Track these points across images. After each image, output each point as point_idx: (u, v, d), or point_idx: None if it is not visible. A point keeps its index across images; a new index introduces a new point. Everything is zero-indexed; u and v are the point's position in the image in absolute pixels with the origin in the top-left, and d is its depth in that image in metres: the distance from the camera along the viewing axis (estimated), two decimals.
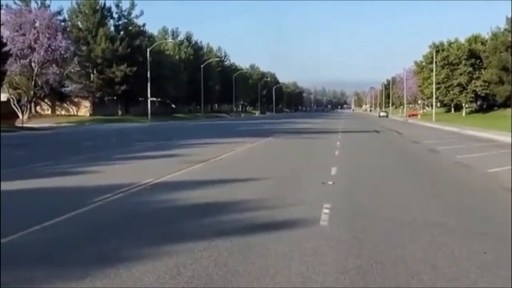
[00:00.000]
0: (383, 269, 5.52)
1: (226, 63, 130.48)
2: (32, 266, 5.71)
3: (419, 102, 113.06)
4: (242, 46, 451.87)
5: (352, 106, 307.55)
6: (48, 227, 7.64)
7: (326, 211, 8.57)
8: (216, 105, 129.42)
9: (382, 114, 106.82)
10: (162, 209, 9.19)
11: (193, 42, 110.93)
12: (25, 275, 5.38)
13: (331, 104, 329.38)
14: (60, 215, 8.34)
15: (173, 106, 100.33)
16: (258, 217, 8.28)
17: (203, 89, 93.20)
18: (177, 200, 9.89)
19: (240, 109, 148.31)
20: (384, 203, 9.55)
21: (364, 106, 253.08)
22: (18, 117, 61.08)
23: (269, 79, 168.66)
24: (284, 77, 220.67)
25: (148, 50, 72.63)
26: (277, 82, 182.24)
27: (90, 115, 74.35)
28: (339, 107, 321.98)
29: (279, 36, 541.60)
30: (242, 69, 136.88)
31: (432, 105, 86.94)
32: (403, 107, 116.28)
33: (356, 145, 26.06)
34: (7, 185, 11.89)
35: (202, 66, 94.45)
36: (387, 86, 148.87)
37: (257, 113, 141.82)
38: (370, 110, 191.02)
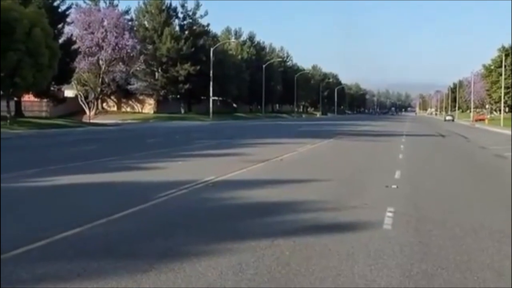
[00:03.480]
0: (449, 275, 5.37)
1: (288, 63, 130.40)
2: (100, 257, 5.86)
3: (487, 106, 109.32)
4: (305, 47, 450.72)
5: (416, 109, 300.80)
6: (114, 220, 7.85)
7: (390, 214, 8.42)
8: (277, 105, 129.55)
9: (448, 118, 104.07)
10: (225, 206, 9.27)
11: (256, 42, 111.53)
12: (92, 266, 5.54)
13: (395, 106, 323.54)
14: (126, 209, 8.56)
15: (234, 105, 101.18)
16: (320, 218, 8.22)
17: (265, 89, 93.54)
18: (239, 198, 9.96)
19: (301, 110, 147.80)
20: (450, 209, 9.28)
21: (429, 109, 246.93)
22: (85, 113, 63.19)
23: (331, 80, 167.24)
24: (347, 78, 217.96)
25: (212, 49, 73.56)
26: (340, 83, 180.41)
27: (154, 112, 76.01)
28: (403, 110, 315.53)
29: (343, 37, 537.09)
30: (304, 70, 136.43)
31: (500, 110, 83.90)
32: (470, 111, 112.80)
33: (421, 149, 25.47)
34: (76, 179, 12.33)
35: (264, 66, 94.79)
36: (453, 90, 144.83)
37: (319, 114, 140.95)
38: (436, 114, 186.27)
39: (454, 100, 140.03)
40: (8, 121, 40.53)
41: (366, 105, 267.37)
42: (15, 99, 47.63)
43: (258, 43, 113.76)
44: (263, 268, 5.52)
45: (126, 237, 6.85)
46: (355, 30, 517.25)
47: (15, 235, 6.81)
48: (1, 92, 43.34)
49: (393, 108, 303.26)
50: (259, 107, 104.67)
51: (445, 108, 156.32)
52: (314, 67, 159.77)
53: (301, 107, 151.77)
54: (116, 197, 10.20)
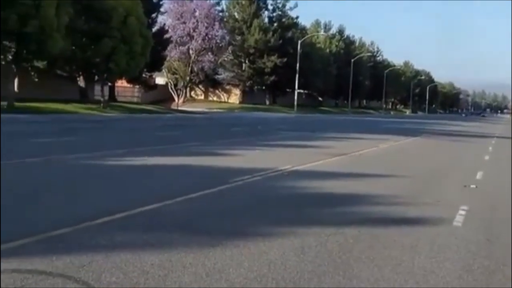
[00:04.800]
0: (509, 271, 5.32)
1: (378, 58, 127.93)
2: (173, 231, 6.29)
3: None
4: (397, 42, 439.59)
5: None
6: (191, 199, 8.29)
7: (462, 212, 8.31)
8: (364, 101, 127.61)
9: None
10: (295, 194, 9.50)
11: (345, 36, 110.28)
12: (166, 238, 5.95)
13: (490, 108, 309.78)
14: (203, 189, 9.00)
15: (320, 99, 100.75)
16: (389, 211, 8.26)
17: (352, 84, 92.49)
18: (311, 188, 10.15)
19: (390, 106, 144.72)
20: None
21: None
22: (174, 100, 65.28)
23: (423, 77, 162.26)
24: (441, 77, 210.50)
25: (299, 42, 73.62)
26: (432, 81, 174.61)
27: (240, 102, 77.22)
28: (499, 111, 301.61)
29: (437, 34, 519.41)
30: (395, 66, 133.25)
31: None
32: None
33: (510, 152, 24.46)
34: (160, 160, 12.98)
35: (352, 60, 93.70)
36: None
37: (408, 111, 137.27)
38: None
39: None
40: (102, 104, 42.69)
41: (460, 105, 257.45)
42: (109, 84, 49.98)
43: (348, 37, 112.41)
44: (324, 253, 5.71)
45: (200, 215, 7.26)
46: (450, 27, 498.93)
47: (99, 207, 7.38)
48: (96, 77, 45.71)
49: (488, 109, 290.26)
50: (345, 102, 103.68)
51: None
52: (405, 64, 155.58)
53: (390, 104, 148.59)
54: (195, 178, 10.68)
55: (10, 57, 35.22)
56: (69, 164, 11.82)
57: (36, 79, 39.65)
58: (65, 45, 35.12)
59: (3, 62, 34.94)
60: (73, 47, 38.83)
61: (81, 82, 48.04)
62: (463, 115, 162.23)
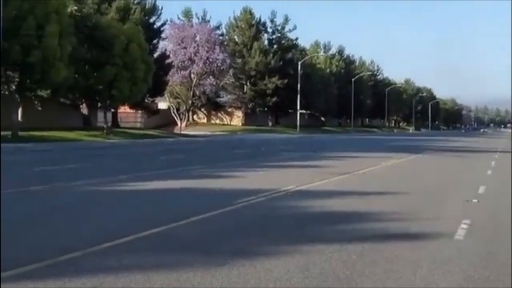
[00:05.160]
0: (509, 281, 5.44)
1: (378, 77, 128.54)
2: (179, 252, 6.44)
3: None
4: (397, 60, 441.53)
5: None
6: (195, 221, 8.44)
7: (464, 226, 8.42)
8: (367, 119, 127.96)
9: None
10: (300, 213, 9.63)
11: (345, 56, 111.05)
12: (171, 259, 6.10)
13: (494, 122, 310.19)
14: (206, 212, 9.16)
15: (322, 119, 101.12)
16: (392, 227, 8.38)
17: (354, 103, 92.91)
18: (315, 207, 10.28)
19: (392, 124, 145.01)
20: None
21: None
22: (176, 124, 65.61)
23: (424, 94, 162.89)
24: (442, 93, 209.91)
25: (300, 63, 74.17)
26: (434, 98, 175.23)
27: (242, 124, 77.57)
28: (502, 126, 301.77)
29: (438, 51, 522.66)
30: (395, 84, 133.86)
31: None
32: None
33: None
34: (163, 184, 13.14)
35: (353, 79, 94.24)
36: None
37: (411, 129, 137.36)
38: None
39: None
40: (105, 131, 43.00)
41: (463, 120, 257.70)
42: (112, 110, 50.37)
43: (348, 56, 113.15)
44: (328, 269, 5.84)
45: (205, 236, 7.40)
46: (450, 42, 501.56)
47: (106, 231, 7.54)
48: (99, 104, 46.09)
49: (491, 124, 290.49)
50: (348, 121, 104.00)
51: None
52: (406, 81, 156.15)
53: (393, 121, 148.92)
54: (199, 201, 10.83)
55: (14, 87, 35.62)
56: (74, 191, 12.00)
57: (40, 108, 39.96)
58: (68, 73, 35.52)
59: (6, 92, 35.30)
60: (76, 75, 39.27)
61: (84, 110, 48.44)
62: (463, 131, 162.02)
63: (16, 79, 35.53)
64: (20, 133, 34.00)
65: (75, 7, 40.83)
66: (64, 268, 5.56)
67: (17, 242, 6.70)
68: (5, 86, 35.07)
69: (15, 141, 31.08)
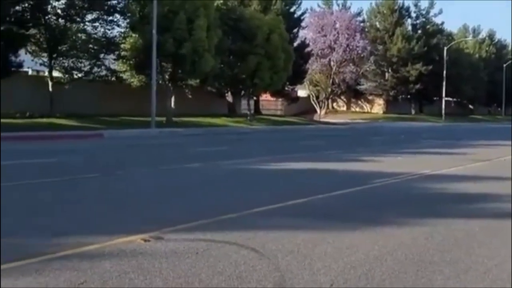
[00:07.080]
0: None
1: None
2: (318, 219, 7.51)
3: None
4: None
5: None
6: (334, 196, 9.48)
7: None
8: None
9: None
10: (431, 193, 10.20)
11: (496, 40, 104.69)
12: (312, 223, 7.14)
13: None
14: (344, 188, 10.16)
15: (470, 107, 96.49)
16: None
17: (505, 90, 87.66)
18: (445, 189, 10.74)
19: None
20: None
21: None
22: (316, 112, 66.71)
23: None
24: None
25: (445, 48, 71.64)
26: None
27: (384, 112, 76.61)
28: None
29: None
30: None
31: None
32: None
33: None
34: (302, 165, 14.26)
35: (505, 65, 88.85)
36: None
37: None
38: None
39: None
40: (248, 117, 45.29)
41: None
42: (254, 98, 52.70)
43: (499, 41, 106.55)
44: (451, 237, 6.53)
45: (341, 207, 8.45)
46: None
47: (258, 198, 8.82)
48: (242, 92, 48.56)
49: None
50: (499, 109, 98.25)
51: None
52: None
53: None
54: (336, 179, 11.82)
55: (167, 77, 39.02)
56: (225, 168, 13.57)
57: (190, 96, 43.15)
58: (215, 63, 38.11)
59: (161, 82, 38.70)
60: (222, 65, 41.82)
61: (229, 97, 51.27)
62: None
63: (169, 70, 38.95)
64: (174, 119, 37.17)
65: (221, 1, 43.38)
66: (225, 225, 6.83)
67: (190, 202, 8.26)
68: (160, 76, 38.47)
69: (169, 126, 34.19)
